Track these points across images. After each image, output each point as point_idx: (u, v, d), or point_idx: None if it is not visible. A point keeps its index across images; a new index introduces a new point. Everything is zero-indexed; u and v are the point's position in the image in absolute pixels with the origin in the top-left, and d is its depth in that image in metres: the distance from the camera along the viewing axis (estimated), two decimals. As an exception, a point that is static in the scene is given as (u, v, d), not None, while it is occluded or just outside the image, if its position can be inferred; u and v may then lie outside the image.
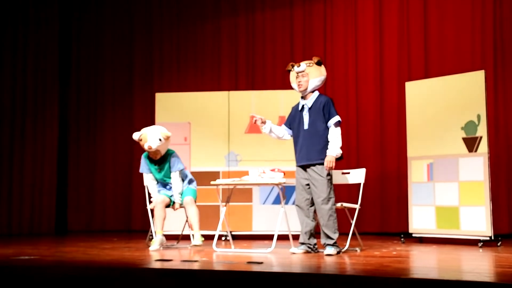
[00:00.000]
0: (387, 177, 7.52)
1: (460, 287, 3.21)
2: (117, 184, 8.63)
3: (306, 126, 5.04)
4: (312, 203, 5.06)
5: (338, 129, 4.99)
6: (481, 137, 5.87)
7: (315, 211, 5.09)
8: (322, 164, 4.95)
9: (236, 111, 7.08)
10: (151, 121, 7.06)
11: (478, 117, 5.91)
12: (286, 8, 8.20)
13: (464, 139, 6.01)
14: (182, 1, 8.70)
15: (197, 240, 5.40)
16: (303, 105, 5.10)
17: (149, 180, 5.74)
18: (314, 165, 4.98)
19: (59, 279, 3.97)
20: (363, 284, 3.45)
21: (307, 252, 5.04)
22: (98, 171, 8.69)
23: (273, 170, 5.33)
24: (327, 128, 5.00)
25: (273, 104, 7.04)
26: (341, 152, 4.97)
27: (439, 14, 7.42)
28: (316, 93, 5.10)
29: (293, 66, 5.09)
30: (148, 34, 8.75)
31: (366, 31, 7.77)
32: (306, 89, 5.05)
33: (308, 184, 5.04)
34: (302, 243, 5.08)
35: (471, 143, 5.95)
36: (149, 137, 5.52)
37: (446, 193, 6.09)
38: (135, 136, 5.66)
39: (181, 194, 5.66)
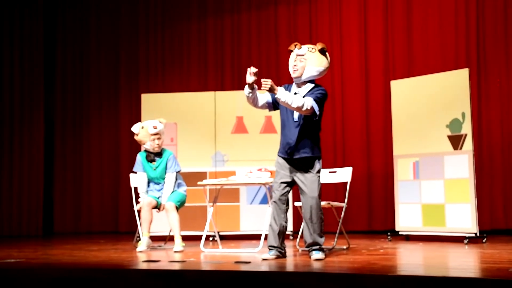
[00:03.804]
0: (374, 176, 7.55)
1: (446, 283, 3.23)
2: (104, 186, 8.59)
3: (296, 118, 4.48)
4: (288, 202, 4.62)
5: (312, 103, 4.35)
6: (466, 135, 5.92)
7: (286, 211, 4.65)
8: (313, 158, 4.50)
9: (222, 111, 7.07)
10: (137, 122, 7.03)
11: (463, 115, 5.96)
12: (271, 8, 8.21)
13: (449, 136, 6.06)
14: (167, 1, 8.68)
15: (177, 246, 5.39)
16: (295, 93, 4.49)
17: (140, 180, 5.72)
18: (305, 160, 4.49)
19: (46, 281, 3.94)
20: (351, 282, 3.46)
21: (278, 257, 4.54)
22: (84, 173, 8.63)
23: (260, 169, 5.33)
24: (318, 121, 4.48)
25: (259, 104, 7.04)
26: (283, 99, 4.32)
27: (423, 13, 7.47)
28: (311, 84, 4.53)
29: (295, 46, 4.54)
30: (133, 34, 8.72)
31: (351, 31, 7.81)
32: (300, 76, 4.48)
33: (289, 182, 4.55)
34: (274, 247, 4.56)
35: (456, 141, 6.00)
36: (151, 122, 5.71)
37: (432, 191, 6.13)
38: (135, 127, 5.70)
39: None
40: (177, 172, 5.69)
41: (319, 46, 4.53)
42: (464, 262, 4.28)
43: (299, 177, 4.51)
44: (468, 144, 5.90)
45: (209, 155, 7.03)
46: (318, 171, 4.52)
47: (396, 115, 6.51)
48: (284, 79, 8.02)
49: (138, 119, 7.29)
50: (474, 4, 7.19)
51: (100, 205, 8.55)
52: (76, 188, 8.62)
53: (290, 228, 6.84)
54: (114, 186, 8.51)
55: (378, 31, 7.68)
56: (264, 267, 4.06)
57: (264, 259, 4.48)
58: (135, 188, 6.05)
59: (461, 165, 5.92)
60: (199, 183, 5.54)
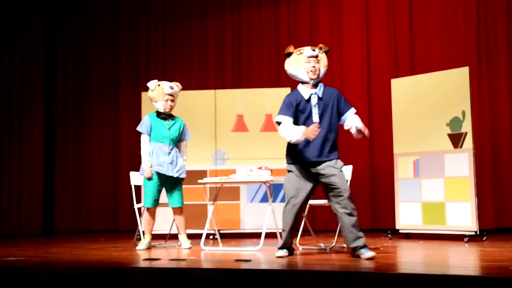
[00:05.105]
0: (374, 174, 7.55)
1: (446, 281, 3.24)
2: (104, 185, 8.59)
3: (316, 119, 4.49)
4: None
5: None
6: (466, 133, 5.93)
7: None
8: (336, 158, 4.54)
9: (222, 110, 7.07)
10: (137, 121, 7.02)
11: (463, 113, 5.96)
12: (271, 6, 8.21)
13: (449, 135, 6.06)
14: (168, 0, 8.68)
15: (186, 244, 5.47)
16: (310, 95, 4.54)
17: (144, 142, 5.54)
18: (327, 160, 4.50)
19: (46, 279, 3.94)
20: (351, 280, 3.47)
21: (289, 255, 4.64)
22: (85, 171, 8.64)
23: (260, 168, 5.34)
24: (338, 122, 4.61)
25: (259, 102, 7.06)
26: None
27: (424, 12, 7.48)
28: (322, 84, 4.63)
29: (295, 49, 4.65)
30: (134, 33, 8.72)
31: (352, 29, 7.81)
32: (318, 76, 4.57)
33: (312, 187, 4.55)
34: (288, 248, 4.64)
35: (456, 139, 6.00)
36: (168, 82, 5.60)
37: (432, 189, 6.13)
38: (152, 84, 5.57)
39: (179, 171, 5.56)
40: (188, 139, 5.77)
41: (325, 48, 4.66)
42: (464, 260, 4.29)
43: (327, 177, 4.48)
44: (468, 142, 5.90)
45: (209, 153, 7.03)
46: (342, 167, 4.56)
47: (396, 114, 6.51)
48: (284, 78, 8.02)
49: (138, 117, 7.28)
50: (475, 2, 7.19)
51: (101, 204, 8.55)
52: (76, 186, 8.62)
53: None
54: (114, 185, 8.51)
55: (379, 30, 7.68)
56: (264, 265, 4.07)
57: (278, 257, 4.52)
58: (135, 186, 6.04)
59: (461, 164, 5.92)
60: (199, 181, 5.54)
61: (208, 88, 7.94)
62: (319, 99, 4.53)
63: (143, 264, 4.29)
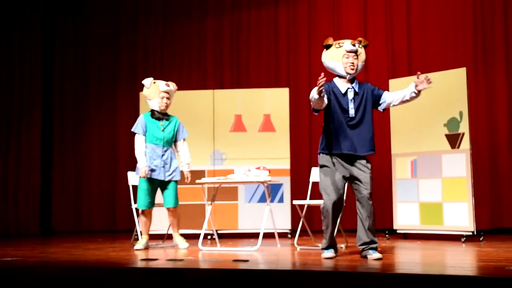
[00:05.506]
0: (372, 174, 7.51)
1: (444, 281, 3.25)
2: (102, 185, 8.58)
3: (352, 113, 4.45)
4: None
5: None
6: (463, 134, 5.94)
7: None
8: (371, 153, 4.51)
9: (221, 110, 7.08)
10: (136, 120, 7.02)
11: (460, 114, 5.97)
12: (271, 7, 8.22)
13: (447, 135, 6.08)
14: (167, 0, 8.68)
15: (183, 243, 5.49)
16: (347, 89, 4.48)
17: (139, 142, 5.49)
18: (360, 157, 4.47)
19: (44, 280, 3.94)
20: (349, 280, 3.47)
21: (335, 253, 4.56)
22: (83, 171, 8.63)
23: (258, 168, 5.34)
24: (372, 117, 4.53)
25: (258, 102, 7.06)
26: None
27: (421, 13, 7.49)
28: (356, 80, 4.57)
29: (334, 41, 4.58)
30: (133, 33, 8.72)
31: (350, 30, 7.82)
32: (356, 71, 4.51)
33: (347, 178, 4.48)
34: (333, 246, 4.56)
35: (453, 140, 6.02)
36: (163, 81, 5.57)
37: (429, 190, 6.15)
38: (147, 81, 5.54)
39: (173, 174, 5.55)
40: (185, 137, 5.72)
41: (365, 42, 4.59)
42: (462, 260, 4.30)
43: (355, 173, 4.45)
44: (466, 143, 5.91)
45: (207, 153, 7.03)
46: (370, 168, 4.51)
47: (394, 114, 6.52)
48: (282, 78, 8.04)
49: (137, 117, 7.27)
50: (472, 3, 7.21)
51: (99, 204, 8.54)
52: (74, 186, 8.61)
53: (288, 226, 6.86)
54: (112, 185, 8.51)
55: (377, 31, 7.69)
56: (262, 265, 4.07)
57: (327, 258, 4.41)
58: (133, 186, 6.04)
59: (459, 164, 5.93)
60: (197, 181, 5.55)
61: (207, 88, 7.95)
62: (355, 93, 4.48)
63: (140, 264, 4.29)
